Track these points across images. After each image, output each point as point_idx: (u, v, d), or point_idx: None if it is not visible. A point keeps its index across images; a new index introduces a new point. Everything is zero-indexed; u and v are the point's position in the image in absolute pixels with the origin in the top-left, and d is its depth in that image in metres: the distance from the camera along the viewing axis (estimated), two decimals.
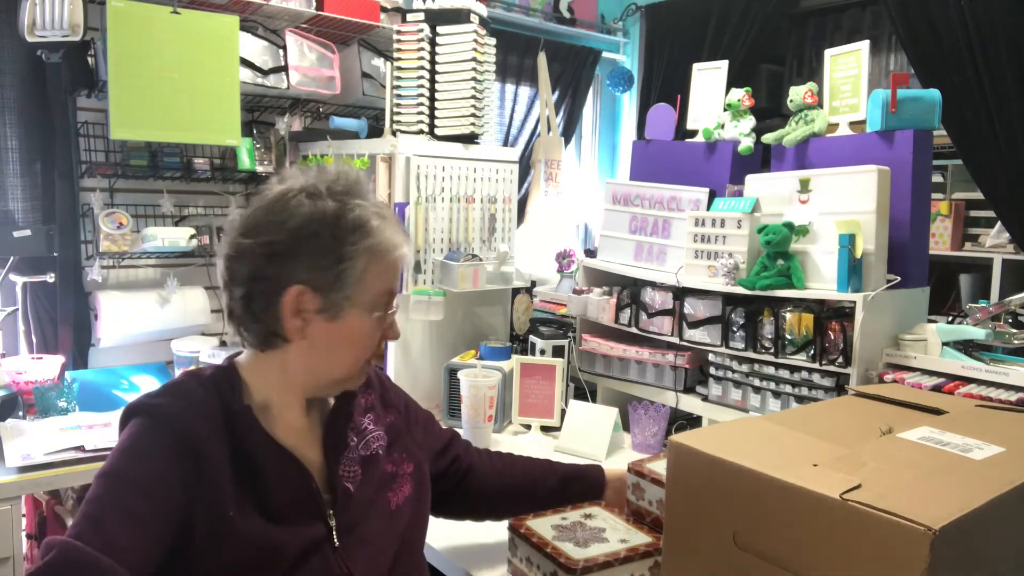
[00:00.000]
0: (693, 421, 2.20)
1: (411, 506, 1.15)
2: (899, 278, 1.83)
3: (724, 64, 2.31)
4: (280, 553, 0.96)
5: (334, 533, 1.02)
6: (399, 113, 2.37)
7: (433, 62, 2.35)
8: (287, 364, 1.05)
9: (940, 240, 3.10)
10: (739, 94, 2.17)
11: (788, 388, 1.88)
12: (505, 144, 3.55)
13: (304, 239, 0.99)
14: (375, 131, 2.54)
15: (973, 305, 1.80)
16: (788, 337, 1.86)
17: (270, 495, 0.98)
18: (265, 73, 2.49)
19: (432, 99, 2.36)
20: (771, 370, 1.91)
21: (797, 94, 2.05)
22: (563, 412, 2.13)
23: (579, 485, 1.40)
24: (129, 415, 0.99)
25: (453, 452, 1.36)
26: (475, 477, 1.37)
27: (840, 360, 1.77)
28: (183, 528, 0.92)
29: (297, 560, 0.97)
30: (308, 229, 1.00)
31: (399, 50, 2.36)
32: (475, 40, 2.31)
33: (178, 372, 2.41)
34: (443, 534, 1.43)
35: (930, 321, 1.89)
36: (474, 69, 2.32)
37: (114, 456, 0.94)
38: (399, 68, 2.37)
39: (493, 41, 2.41)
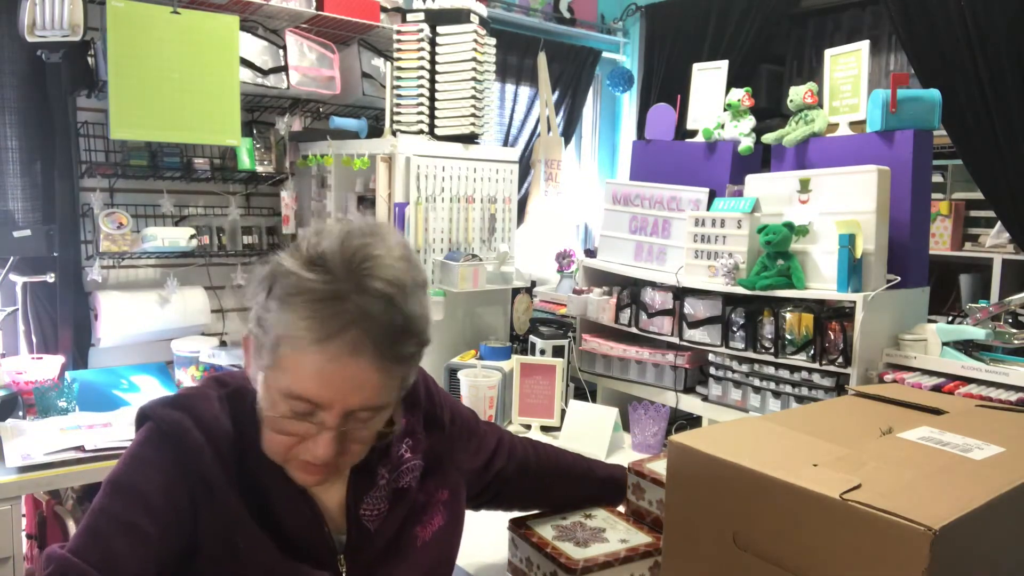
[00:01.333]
0: (693, 421, 2.20)
1: (441, 537, 1.06)
2: (899, 278, 1.83)
3: (724, 64, 2.32)
4: None
5: None
6: (399, 113, 2.37)
7: (433, 62, 2.35)
8: None
9: (940, 240, 3.10)
10: (739, 94, 2.17)
11: (788, 388, 1.88)
12: (505, 144, 3.55)
13: (258, 285, 0.89)
14: (375, 131, 2.54)
15: (973, 305, 1.80)
16: (788, 337, 1.86)
17: (282, 530, 0.92)
18: (265, 73, 2.49)
19: (432, 99, 2.36)
20: (771, 370, 1.91)
21: (797, 94, 2.05)
22: (563, 412, 2.13)
23: (613, 490, 1.37)
24: (142, 419, 0.94)
25: (496, 466, 1.24)
26: (515, 485, 1.28)
27: (840, 360, 1.77)
28: (190, 548, 0.88)
29: None
30: (266, 276, 0.88)
31: (399, 50, 2.36)
32: (475, 40, 2.31)
33: (178, 372, 2.41)
34: None
35: (930, 321, 1.89)
36: (474, 69, 2.32)
37: (123, 463, 0.91)
38: (399, 68, 2.37)
39: (493, 41, 2.41)
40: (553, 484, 1.34)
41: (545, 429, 2.16)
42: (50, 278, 2.27)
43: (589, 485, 1.37)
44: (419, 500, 1.05)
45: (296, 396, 0.85)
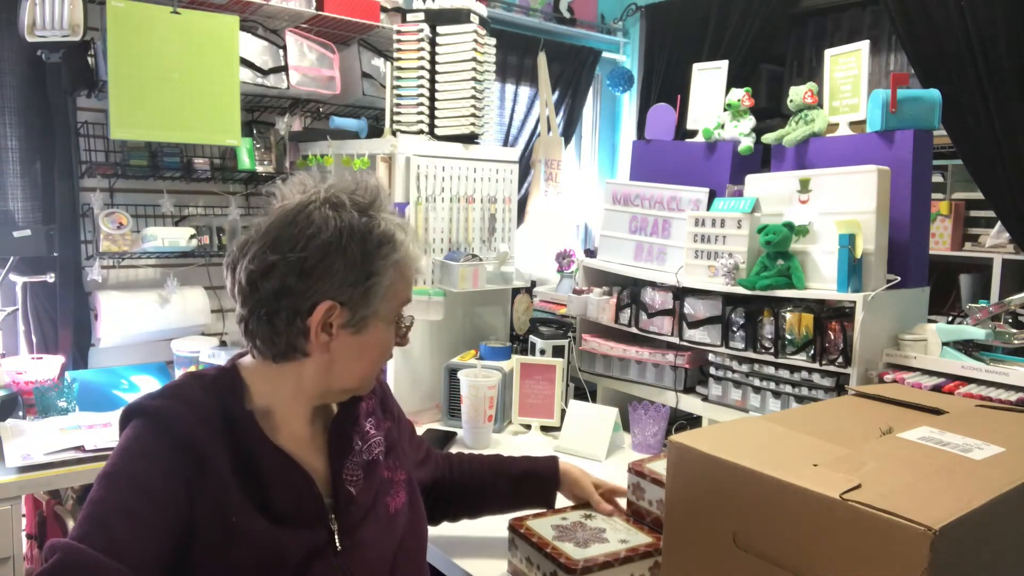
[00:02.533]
0: (693, 421, 2.20)
1: (407, 513, 1.13)
2: (899, 278, 1.83)
3: (724, 64, 2.32)
4: (284, 559, 0.96)
5: (336, 537, 1.01)
6: (399, 113, 2.37)
7: (433, 62, 2.35)
8: (301, 376, 1.03)
9: (940, 240, 3.10)
10: (739, 94, 2.17)
11: (788, 388, 1.88)
12: (505, 144, 3.55)
13: (334, 254, 0.98)
14: (375, 131, 2.54)
15: (973, 305, 1.80)
16: (788, 337, 1.86)
17: (273, 500, 0.97)
18: (265, 73, 2.49)
19: (432, 99, 2.36)
20: (771, 370, 1.91)
21: (797, 94, 2.05)
22: (563, 412, 2.13)
23: (530, 488, 1.43)
24: (128, 416, 0.97)
25: (429, 466, 1.36)
26: (441, 488, 1.38)
27: (840, 360, 1.77)
28: (187, 531, 0.92)
29: (300, 565, 0.97)
30: (339, 243, 0.98)
31: (399, 50, 2.36)
32: (475, 40, 2.31)
33: (178, 372, 2.41)
34: (443, 533, 1.43)
35: (930, 321, 1.89)
36: (474, 69, 2.32)
37: (115, 457, 0.93)
38: (399, 68, 2.37)
39: (493, 41, 2.41)
40: (470, 486, 1.40)
41: (545, 429, 2.16)
42: (50, 278, 2.27)
43: (504, 484, 1.42)
44: (385, 475, 1.12)
45: (406, 301, 1.07)
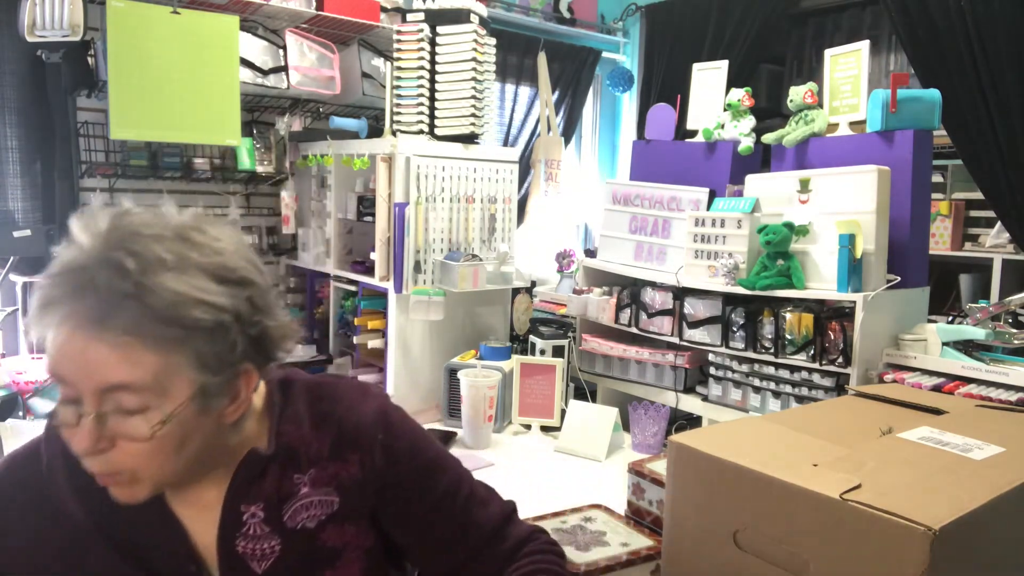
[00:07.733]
0: (693, 421, 2.20)
1: None
2: (899, 278, 1.83)
3: (724, 64, 2.32)
4: None
5: None
6: (399, 113, 2.37)
7: (433, 62, 2.35)
8: None
9: (940, 240, 3.10)
10: (739, 94, 2.17)
11: (788, 388, 1.88)
12: (505, 144, 3.55)
13: None
14: (375, 131, 2.54)
15: (973, 305, 1.80)
16: (788, 337, 1.86)
17: (145, 562, 0.83)
18: (265, 73, 2.49)
19: (432, 99, 2.36)
20: (771, 370, 1.91)
21: (797, 94, 2.05)
22: (563, 412, 2.13)
23: None
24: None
25: (472, 539, 0.93)
26: None
27: (840, 360, 1.77)
28: (24, 559, 0.82)
29: None
30: None
31: (399, 50, 2.36)
32: (475, 40, 2.31)
33: None
34: None
35: (930, 321, 1.89)
36: (474, 69, 2.32)
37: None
38: (399, 68, 2.37)
39: (493, 41, 2.41)
40: None
41: (545, 429, 2.16)
42: None
43: None
44: (327, 544, 0.87)
45: (51, 375, 0.74)
